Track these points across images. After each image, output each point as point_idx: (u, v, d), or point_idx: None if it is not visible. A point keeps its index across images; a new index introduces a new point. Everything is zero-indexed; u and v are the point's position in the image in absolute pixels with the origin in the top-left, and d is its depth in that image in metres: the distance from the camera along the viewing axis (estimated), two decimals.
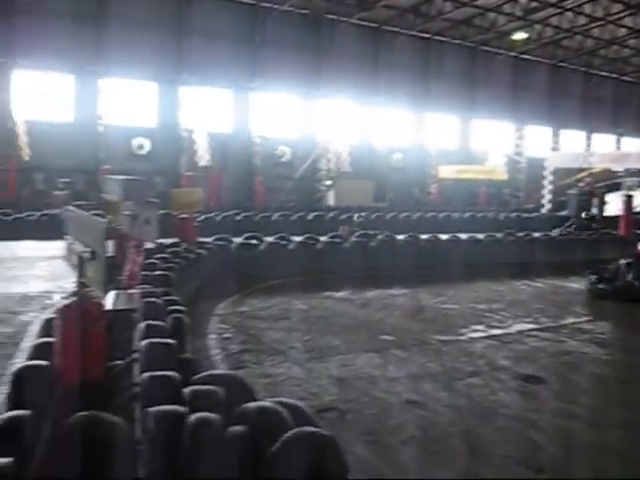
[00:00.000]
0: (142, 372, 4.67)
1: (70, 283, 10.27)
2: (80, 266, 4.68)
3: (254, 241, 14.44)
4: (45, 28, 26.28)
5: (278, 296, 11.49)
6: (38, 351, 4.96)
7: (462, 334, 9.55)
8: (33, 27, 25.96)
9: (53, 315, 5.82)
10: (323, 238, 15.87)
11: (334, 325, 9.67)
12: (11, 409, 4.18)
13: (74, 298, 4.27)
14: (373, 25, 35.36)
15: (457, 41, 38.62)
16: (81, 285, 4.51)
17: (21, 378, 4.41)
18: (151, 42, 28.81)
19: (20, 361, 6.67)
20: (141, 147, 29.39)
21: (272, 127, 32.84)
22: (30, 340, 7.50)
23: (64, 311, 4.19)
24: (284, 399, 4.28)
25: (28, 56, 26.27)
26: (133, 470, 3.74)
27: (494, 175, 39.03)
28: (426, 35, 37.36)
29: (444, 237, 17.69)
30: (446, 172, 36.80)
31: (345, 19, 33.67)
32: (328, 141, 33.71)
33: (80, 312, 4.19)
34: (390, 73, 35.91)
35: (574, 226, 22.74)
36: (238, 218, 20.84)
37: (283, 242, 14.74)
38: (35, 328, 8.04)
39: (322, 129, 34.05)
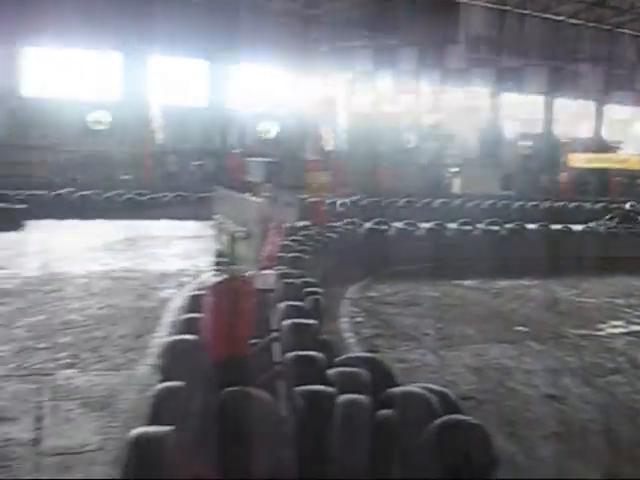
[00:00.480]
0: (284, 351, 4.73)
1: (203, 262, 10.61)
2: (231, 245, 4.78)
3: (382, 226, 14.38)
4: (179, 17, 27.17)
5: (407, 282, 11.40)
6: (185, 325, 5.12)
7: (600, 329, 9.18)
8: (169, 16, 26.87)
9: (198, 291, 6.02)
10: (451, 225, 15.63)
11: (466, 314, 9.51)
12: (163, 380, 4.32)
13: (225, 275, 4.36)
14: (502, 8, 34.41)
15: (592, 24, 36.98)
16: (232, 263, 4.61)
17: (172, 351, 4.56)
18: (279, 31, 29.24)
19: (161, 335, 6.97)
20: (268, 131, 29.96)
21: (400, 113, 32.71)
22: (170, 315, 7.80)
23: (216, 287, 4.29)
24: (430, 385, 4.22)
25: (163, 43, 27.25)
26: (278, 447, 3.78)
27: (629, 164, 37.21)
28: (558, 18, 35.99)
29: (576, 228, 17.05)
30: (577, 160, 35.41)
31: (475, 3, 32.99)
32: (455, 128, 33.17)
33: (231, 289, 4.27)
34: (519, 57, 34.85)
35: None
36: (364, 203, 20.86)
37: (411, 228, 14.62)
38: (174, 304, 8.35)
39: (450, 116, 33.52)
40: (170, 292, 9.28)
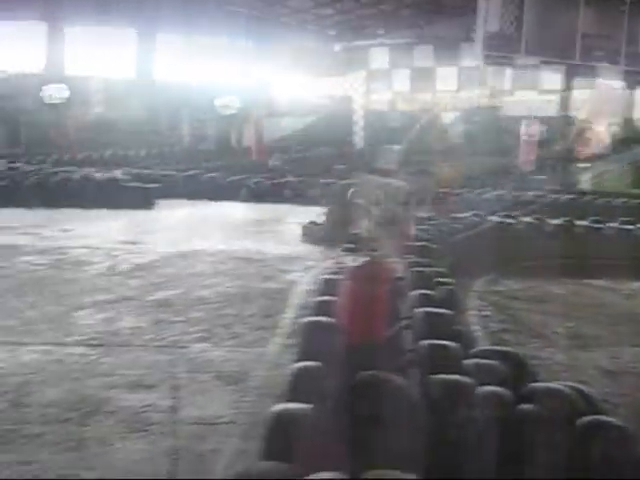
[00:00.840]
0: (417, 339, 4.70)
1: (328, 247, 10.66)
2: (372, 229, 4.79)
3: (509, 220, 14.04)
4: None
5: (535, 278, 11.07)
6: (319, 308, 5.17)
7: None
8: None
9: (331, 275, 6.08)
10: (580, 222, 15.05)
11: (597, 314, 9.15)
12: (298, 360, 4.39)
13: (364, 260, 4.37)
14: None
15: None
16: (372, 248, 4.62)
17: (308, 331, 4.62)
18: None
19: (289, 316, 7.08)
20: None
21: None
22: (297, 297, 7.91)
23: (355, 272, 4.30)
24: (571, 383, 4.08)
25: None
26: (412, 433, 3.76)
27: None
28: None
29: None
30: None
31: None
32: (586, 120, 31.94)
33: (370, 274, 4.28)
34: None
35: None
36: (490, 196, 20.43)
37: (539, 223, 14.20)
38: (301, 287, 8.45)
39: (580, 106, 32.29)
40: (296, 275, 9.38)
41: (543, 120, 29.49)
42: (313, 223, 12.63)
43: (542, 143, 27.90)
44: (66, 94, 26.91)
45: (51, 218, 13.82)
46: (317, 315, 4.95)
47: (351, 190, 7.65)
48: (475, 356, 4.38)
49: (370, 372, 3.85)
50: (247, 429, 4.52)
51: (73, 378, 5.50)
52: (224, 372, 5.64)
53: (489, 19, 22.92)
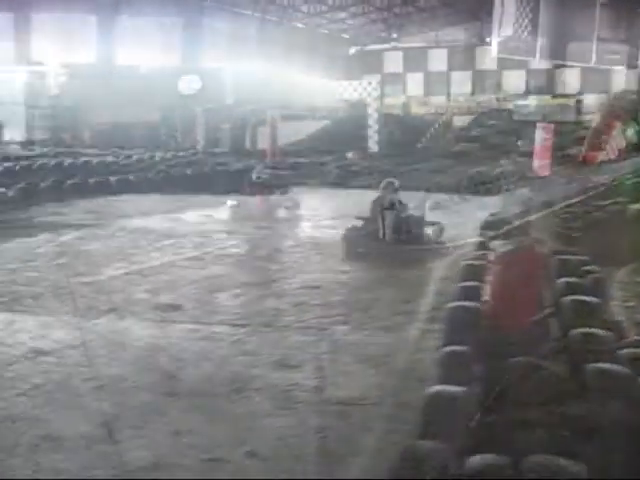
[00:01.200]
0: (566, 327, 4.61)
1: (465, 231, 10.46)
2: (522, 217, 4.74)
3: None
4: None
5: None
6: (464, 293, 5.13)
7: None
8: None
9: (473, 260, 6.02)
10: None
11: None
12: (445, 345, 4.40)
13: (514, 245, 4.32)
14: None
15: None
16: (524, 234, 4.56)
17: (454, 316, 4.62)
18: None
19: (429, 301, 7.02)
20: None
21: None
22: (435, 283, 7.82)
23: (505, 257, 4.26)
24: None
25: None
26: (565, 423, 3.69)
27: None
28: None
29: None
30: None
31: None
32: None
33: (520, 261, 4.22)
34: None
35: None
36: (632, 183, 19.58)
37: None
38: (439, 272, 8.36)
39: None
40: (435, 262, 9.25)
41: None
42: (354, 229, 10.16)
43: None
44: (198, 85, 27.76)
45: (191, 203, 14.40)
46: (461, 300, 4.93)
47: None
48: (629, 346, 4.24)
49: (523, 358, 3.81)
50: (393, 411, 4.54)
51: (220, 355, 5.70)
52: (366, 354, 5.64)
53: (504, 23, 22.33)
